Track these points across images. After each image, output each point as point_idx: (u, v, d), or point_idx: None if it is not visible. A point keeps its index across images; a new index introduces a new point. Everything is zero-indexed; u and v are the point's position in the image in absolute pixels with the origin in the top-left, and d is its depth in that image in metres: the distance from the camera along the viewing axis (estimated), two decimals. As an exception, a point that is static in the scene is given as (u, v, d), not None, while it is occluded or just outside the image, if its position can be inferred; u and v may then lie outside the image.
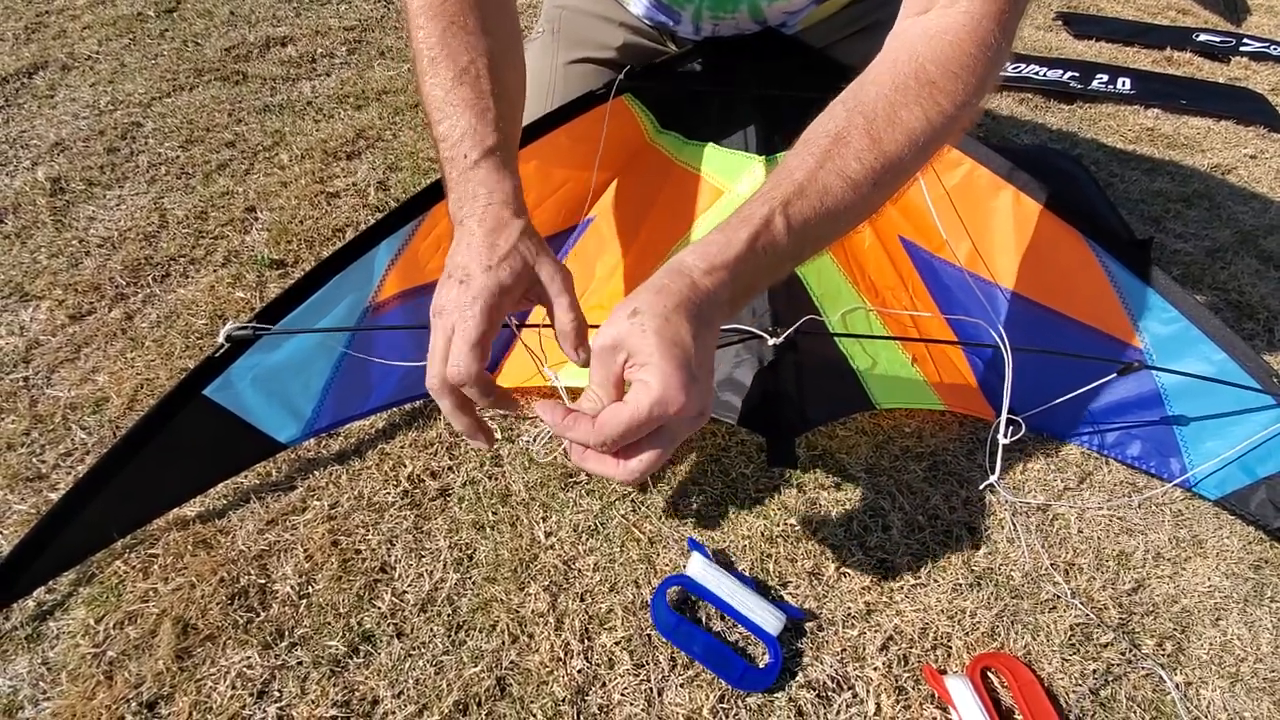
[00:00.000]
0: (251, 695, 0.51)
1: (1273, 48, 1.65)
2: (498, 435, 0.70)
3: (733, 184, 0.70)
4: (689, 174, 0.72)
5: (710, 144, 0.73)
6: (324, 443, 0.68)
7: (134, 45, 1.29)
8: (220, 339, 0.59)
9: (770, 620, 0.54)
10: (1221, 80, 1.49)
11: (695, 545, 0.60)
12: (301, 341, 0.63)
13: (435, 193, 0.66)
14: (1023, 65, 1.42)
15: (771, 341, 0.58)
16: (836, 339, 0.65)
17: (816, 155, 0.45)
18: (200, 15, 1.39)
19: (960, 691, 0.52)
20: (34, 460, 0.65)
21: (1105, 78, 1.41)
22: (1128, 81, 1.40)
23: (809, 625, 0.58)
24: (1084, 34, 1.60)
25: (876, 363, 0.67)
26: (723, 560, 0.61)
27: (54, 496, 0.63)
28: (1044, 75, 1.39)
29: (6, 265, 0.85)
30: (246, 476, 0.64)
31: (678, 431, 0.40)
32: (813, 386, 0.61)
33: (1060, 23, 1.66)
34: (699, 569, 0.58)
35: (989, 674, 0.56)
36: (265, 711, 0.51)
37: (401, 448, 0.68)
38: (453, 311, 0.43)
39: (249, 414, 0.62)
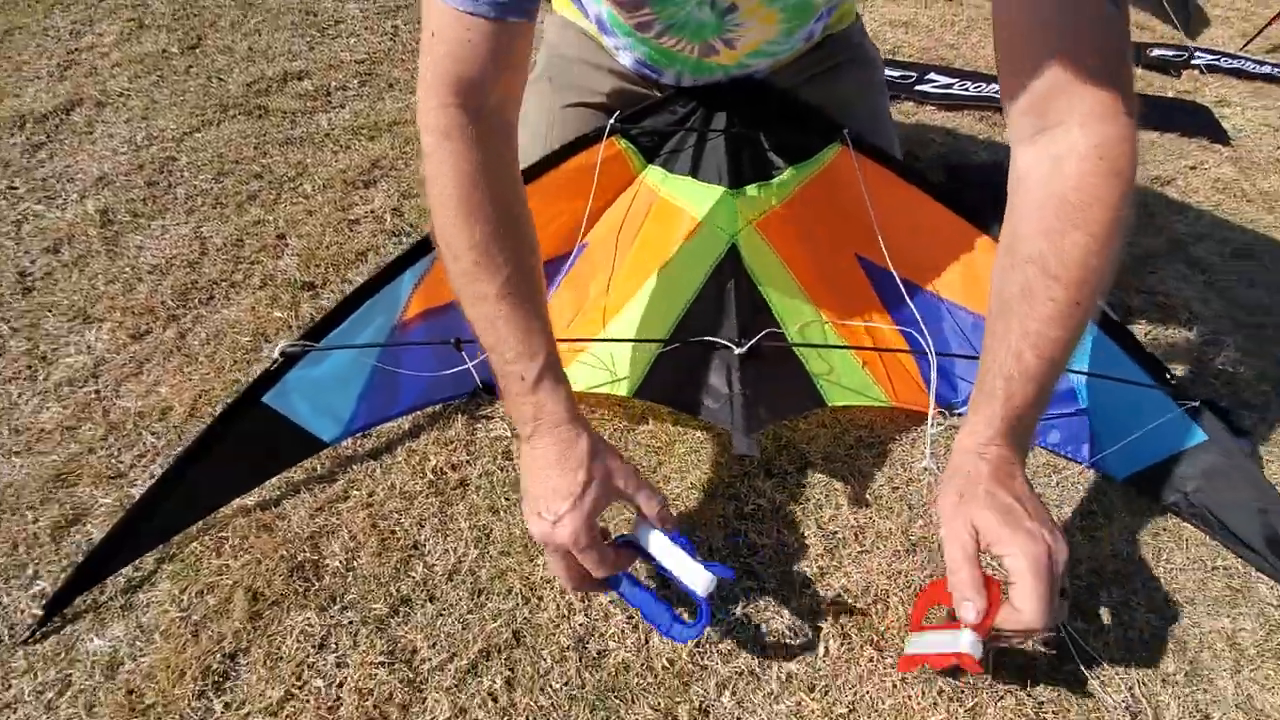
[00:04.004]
0: (314, 647, 0.63)
1: (1224, 60, 1.77)
2: (507, 432, 0.81)
3: (706, 215, 0.81)
4: (669, 205, 0.84)
5: (688, 178, 0.84)
6: (360, 441, 0.79)
7: (162, 82, 1.40)
8: (275, 354, 0.71)
9: (700, 580, 0.57)
10: (1170, 94, 1.61)
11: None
12: (341, 356, 0.74)
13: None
14: (984, 85, 1.53)
15: (737, 351, 0.70)
16: (796, 347, 0.77)
17: (1014, 318, 0.52)
18: (220, 51, 1.50)
19: (915, 645, 0.60)
20: (113, 461, 0.77)
21: (1059, 95, 1.52)
22: (1079, 98, 1.51)
23: (772, 585, 0.69)
24: (1043, 52, 1.72)
25: (831, 368, 0.78)
26: (685, 530, 0.72)
27: (133, 491, 0.74)
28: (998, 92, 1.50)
29: (69, 291, 0.96)
30: (296, 471, 0.76)
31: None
32: (771, 389, 0.72)
33: (1022, 41, 1.77)
34: (641, 532, 0.61)
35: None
36: (325, 660, 0.62)
37: (426, 445, 0.80)
38: (563, 558, 0.55)
39: (298, 417, 0.74)
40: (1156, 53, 1.75)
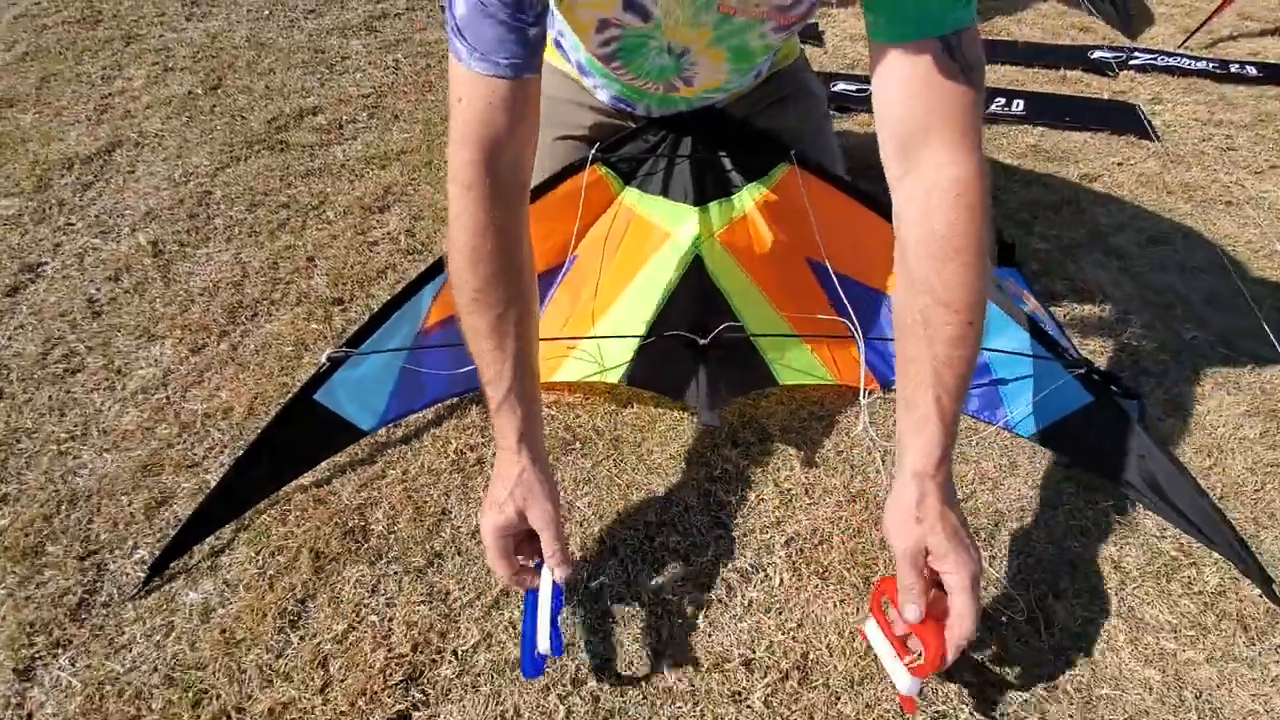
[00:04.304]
0: (367, 592, 0.78)
1: (1159, 58, 1.91)
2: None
3: (675, 229, 0.96)
4: (644, 221, 0.99)
5: (660, 197, 0.99)
6: (393, 430, 0.95)
7: (191, 122, 1.56)
8: (323, 360, 0.86)
9: (542, 640, 0.66)
10: (1106, 95, 1.76)
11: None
12: (375, 359, 0.90)
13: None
14: (933, 94, 1.68)
15: (702, 342, 0.85)
16: (753, 337, 0.92)
17: (924, 342, 0.63)
18: (240, 91, 1.65)
19: (873, 632, 0.70)
20: (188, 454, 0.92)
21: (1002, 101, 1.67)
22: (1021, 103, 1.66)
23: (737, 533, 0.84)
24: (990, 60, 1.87)
25: (783, 353, 0.93)
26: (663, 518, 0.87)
27: (208, 478, 0.89)
28: (950, 102, 1.65)
29: (133, 313, 1.12)
30: (342, 455, 0.91)
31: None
32: (731, 372, 0.87)
33: (972, 49, 1.92)
34: (543, 570, 0.70)
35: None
36: (377, 601, 0.77)
37: (448, 431, 0.95)
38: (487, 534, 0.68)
39: (342, 410, 0.89)
40: (1096, 55, 1.90)
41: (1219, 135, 1.62)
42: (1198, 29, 2.02)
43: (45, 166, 1.43)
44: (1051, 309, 1.15)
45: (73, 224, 1.29)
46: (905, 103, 0.64)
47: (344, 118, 1.58)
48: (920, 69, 0.62)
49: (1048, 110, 1.65)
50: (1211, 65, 1.87)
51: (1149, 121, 1.63)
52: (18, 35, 1.97)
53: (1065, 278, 1.21)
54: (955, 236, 0.62)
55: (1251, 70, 1.86)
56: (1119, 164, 1.51)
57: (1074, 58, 1.88)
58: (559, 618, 0.67)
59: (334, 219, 1.30)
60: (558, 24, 0.96)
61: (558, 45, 1.01)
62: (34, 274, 1.19)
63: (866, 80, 1.75)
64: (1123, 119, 1.63)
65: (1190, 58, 1.92)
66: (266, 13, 1.98)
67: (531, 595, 0.70)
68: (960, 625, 0.61)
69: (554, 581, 0.68)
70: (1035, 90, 1.75)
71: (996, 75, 1.82)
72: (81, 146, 1.48)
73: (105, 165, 1.44)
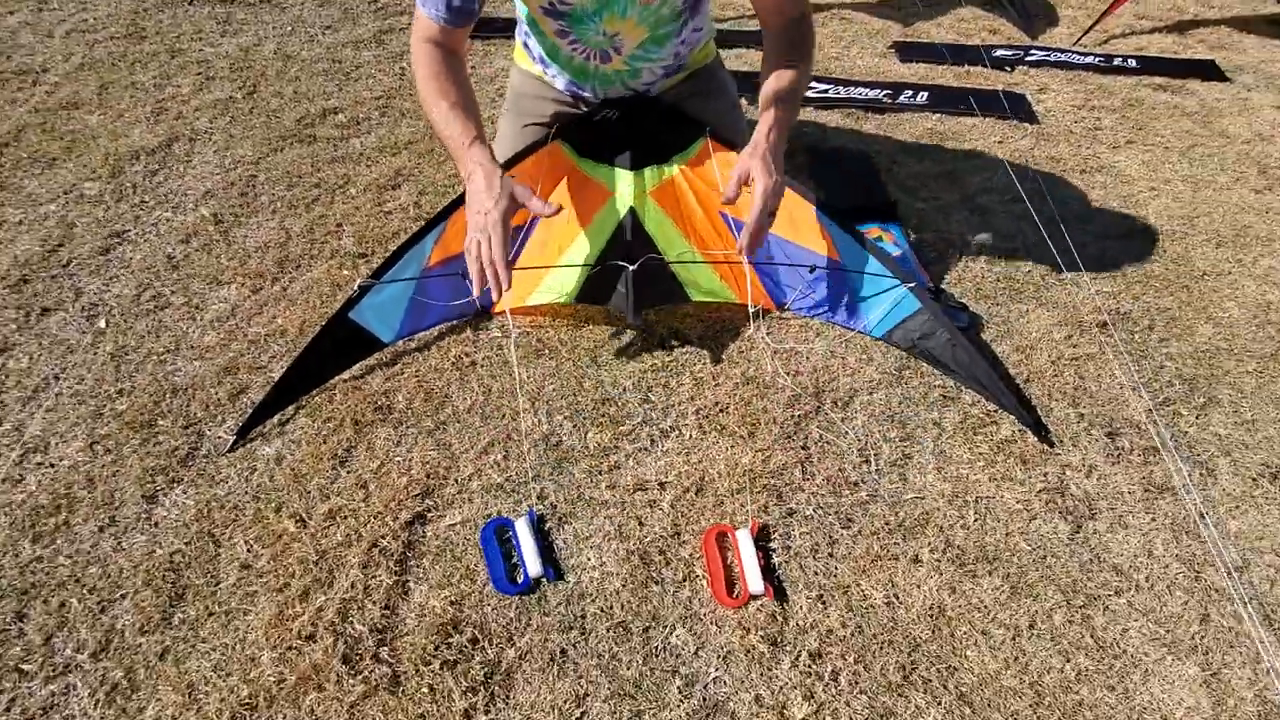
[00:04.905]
0: (393, 444, 1.10)
1: (1053, 55, 2.23)
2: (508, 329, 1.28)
3: (616, 188, 1.28)
4: (593, 183, 1.30)
5: (604, 165, 1.31)
6: (408, 342, 1.26)
7: (234, 121, 1.88)
8: (354, 288, 1.18)
9: (533, 566, 0.93)
10: (1001, 87, 2.07)
11: (531, 513, 1.00)
12: (393, 288, 1.21)
13: (454, 205, 1.23)
14: (850, 88, 2.00)
15: (631, 268, 1.17)
16: (670, 264, 1.24)
17: (772, 80, 1.12)
18: (273, 95, 1.98)
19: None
20: (256, 360, 1.24)
21: (910, 93, 1.99)
22: (924, 95, 1.98)
23: (661, 405, 1.16)
24: (908, 59, 2.18)
25: (695, 279, 1.25)
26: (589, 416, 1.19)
27: (272, 375, 1.21)
28: (865, 95, 1.97)
29: (204, 265, 1.43)
30: (371, 359, 1.22)
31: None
32: (652, 289, 1.19)
33: (893, 50, 2.24)
34: (521, 525, 0.97)
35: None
36: (401, 449, 1.09)
37: (448, 342, 1.26)
38: (484, 228, 1.01)
39: (369, 326, 1.21)
40: (999, 53, 2.22)
41: (1090, 118, 1.94)
42: (1088, 30, 2.34)
43: (116, 158, 1.74)
44: (922, 253, 1.47)
45: (146, 201, 1.61)
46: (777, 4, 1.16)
47: (360, 116, 1.90)
48: None
49: (947, 99, 1.96)
50: (1097, 60, 2.19)
51: (1032, 107, 1.95)
52: (72, 48, 2.29)
53: (935, 229, 1.53)
54: (802, 45, 1.17)
55: (1132, 63, 2.18)
56: (999, 142, 1.82)
57: (980, 56, 2.20)
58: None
59: (356, 195, 1.61)
60: (524, 26, 1.29)
61: (525, 47, 1.34)
62: (120, 239, 1.51)
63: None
64: (1011, 105, 1.94)
65: (1079, 53, 2.24)
66: (290, 30, 2.30)
67: (488, 531, 0.98)
68: (755, 208, 1.05)
69: (525, 524, 0.98)
70: (940, 84, 2.06)
71: (913, 72, 2.14)
72: (144, 141, 1.80)
73: (167, 156, 1.76)
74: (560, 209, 1.09)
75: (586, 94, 1.33)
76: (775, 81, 1.12)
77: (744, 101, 1.64)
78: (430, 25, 1.11)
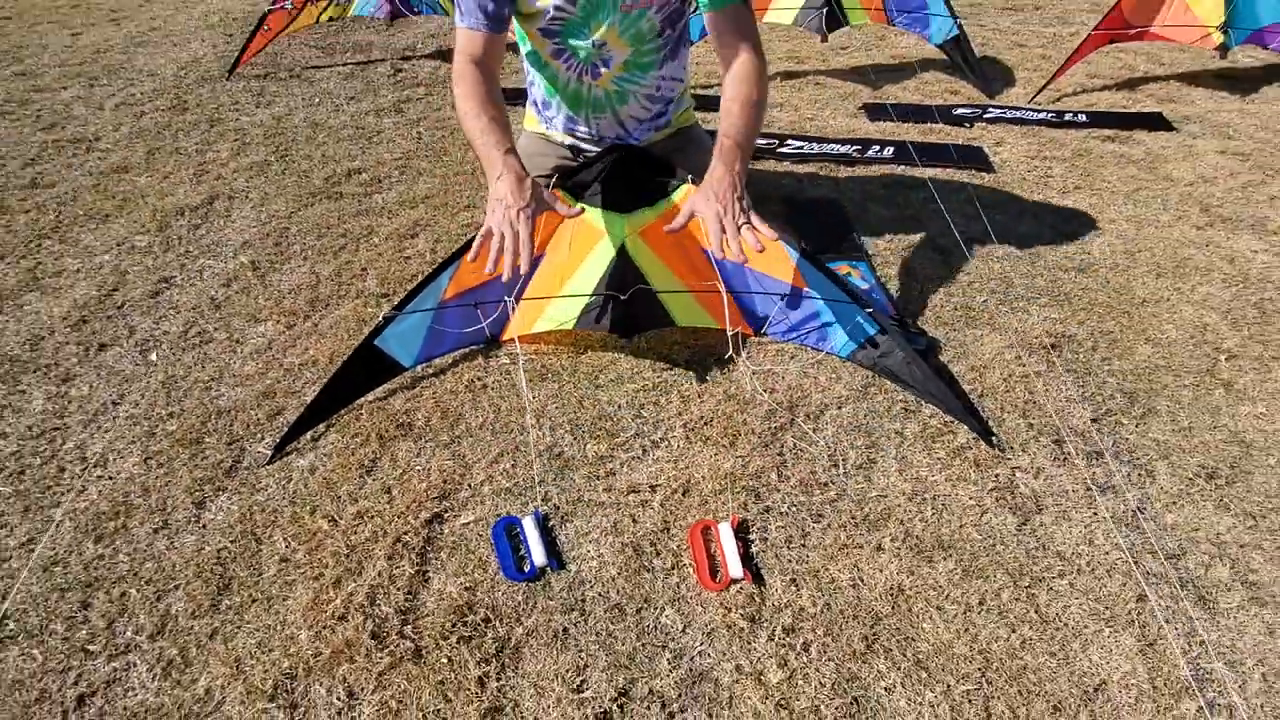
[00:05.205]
0: (414, 455, 1.23)
1: (1008, 112, 2.46)
2: (518, 353, 1.43)
3: (610, 229, 1.45)
4: (588, 225, 1.48)
5: (598, 209, 1.49)
6: (425, 367, 1.41)
7: (268, 181, 2.09)
8: (380, 318, 1.34)
9: (538, 556, 1.05)
10: (961, 141, 2.28)
11: (537, 513, 1.12)
12: (413, 318, 1.37)
13: (467, 246, 1.40)
14: (824, 144, 2.21)
15: (623, 297, 1.33)
16: (658, 295, 1.40)
17: (728, 118, 1.30)
18: (303, 158, 2.19)
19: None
20: (292, 386, 1.39)
21: (877, 148, 2.20)
22: (890, 149, 2.19)
23: (654, 419, 1.30)
24: (876, 118, 2.41)
25: (681, 307, 1.41)
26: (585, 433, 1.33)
27: (306, 398, 1.35)
28: (837, 150, 2.18)
29: (244, 305, 1.60)
30: (392, 382, 1.38)
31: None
32: (641, 314, 1.35)
33: (863, 111, 2.47)
34: (528, 522, 1.10)
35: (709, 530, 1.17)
36: (418, 459, 1.23)
37: (462, 366, 1.42)
38: (511, 221, 1.19)
39: (391, 352, 1.36)
40: (959, 112, 2.44)
41: (1042, 167, 2.14)
42: (1042, 88, 2.58)
43: (163, 214, 1.94)
44: (886, 285, 1.63)
45: (190, 251, 1.79)
46: (726, 34, 1.31)
47: (381, 174, 2.10)
48: (733, 16, 1.30)
49: (910, 153, 2.17)
50: (1050, 115, 2.42)
51: (989, 158, 2.15)
52: (121, 119, 2.54)
53: (900, 265, 1.70)
54: (755, 80, 1.32)
55: (1082, 118, 2.40)
56: (958, 189, 2.02)
57: (941, 115, 2.42)
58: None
59: (378, 243, 1.80)
60: (529, 77, 1.50)
61: (533, 105, 1.55)
62: (168, 284, 1.68)
63: (773, 136, 2.30)
64: (968, 156, 2.15)
65: (1034, 110, 2.46)
66: (317, 100, 2.55)
67: (499, 527, 1.12)
68: (703, 210, 1.25)
69: (532, 521, 1.11)
70: (906, 139, 2.28)
71: (877, 129, 2.36)
72: (188, 199, 2.01)
73: (208, 212, 1.96)
74: (583, 209, 1.30)
75: (581, 131, 1.53)
76: (725, 119, 1.29)
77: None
78: (473, 38, 1.30)
